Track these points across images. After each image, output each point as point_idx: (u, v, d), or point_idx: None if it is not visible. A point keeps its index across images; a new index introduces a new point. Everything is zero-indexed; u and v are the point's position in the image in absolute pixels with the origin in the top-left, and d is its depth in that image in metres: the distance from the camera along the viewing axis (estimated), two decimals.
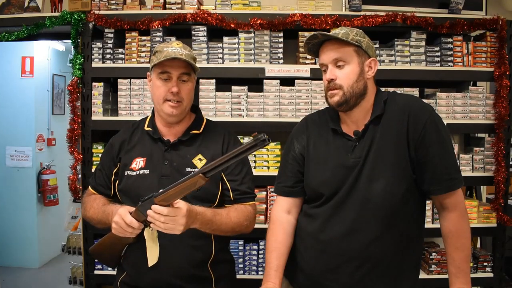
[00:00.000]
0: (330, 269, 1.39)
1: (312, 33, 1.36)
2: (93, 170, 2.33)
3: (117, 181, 1.54)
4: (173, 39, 2.35)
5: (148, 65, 2.31)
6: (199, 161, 1.49)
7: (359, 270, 1.35)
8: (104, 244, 1.48)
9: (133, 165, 1.51)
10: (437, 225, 1.52)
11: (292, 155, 1.49)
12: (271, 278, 1.38)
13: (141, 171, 1.49)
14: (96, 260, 2.36)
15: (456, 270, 1.34)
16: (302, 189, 1.49)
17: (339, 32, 1.35)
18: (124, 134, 1.61)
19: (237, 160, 1.19)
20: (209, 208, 1.40)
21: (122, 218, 1.32)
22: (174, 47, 1.46)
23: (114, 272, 2.20)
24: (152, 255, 1.38)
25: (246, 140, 2.18)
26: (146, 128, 1.57)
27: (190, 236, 1.42)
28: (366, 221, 1.34)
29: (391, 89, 2.28)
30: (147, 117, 1.62)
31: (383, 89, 1.46)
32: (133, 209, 1.33)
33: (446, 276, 2.32)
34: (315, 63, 2.35)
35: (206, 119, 1.62)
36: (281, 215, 1.49)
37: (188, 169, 1.47)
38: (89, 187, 1.62)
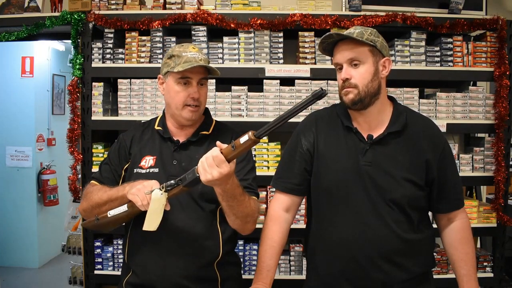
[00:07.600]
0: (341, 271, 1.38)
1: (327, 33, 1.36)
2: (93, 170, 2.33)
3: (126, 178, 1.52)
4: (173, 39, 2.36)
5: (149, 65, 2.35)
6: None
7: (371, 272, 1.35)
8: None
9: (142, 163, 1.50)
10: (436, 226, 1.53)
11: (300, 152, 1.47)
12: (262, 278, 1.38)
13: (151, 170, 1.48)
14: (96, 260, 2.35)
15: (468, 272, 1.40)
16: (306, 188, 1.48)
17: (353, 31, 1.34)
18: (134, 131, 1.61)
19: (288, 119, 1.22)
20: (241, 187, 1.35)
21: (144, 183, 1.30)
22: (192, 52, 1.45)
23: (115, 272, 2.19)
24: (152, 221, 1.28)
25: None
26: (156, 127, 1.57)
27: (198, 237, 1.42)
28: (375, 225, 1.34)
29: (391, 89, 2.32)
30: (157, 116, 1.62)
31: None
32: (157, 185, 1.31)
33: (446, 276, 2.37)
34: (315, 63, 2.35)
35: (215, 120, 1.63)
36: (280, 212, 1.48)
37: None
38: (92, 180, 1.58)
